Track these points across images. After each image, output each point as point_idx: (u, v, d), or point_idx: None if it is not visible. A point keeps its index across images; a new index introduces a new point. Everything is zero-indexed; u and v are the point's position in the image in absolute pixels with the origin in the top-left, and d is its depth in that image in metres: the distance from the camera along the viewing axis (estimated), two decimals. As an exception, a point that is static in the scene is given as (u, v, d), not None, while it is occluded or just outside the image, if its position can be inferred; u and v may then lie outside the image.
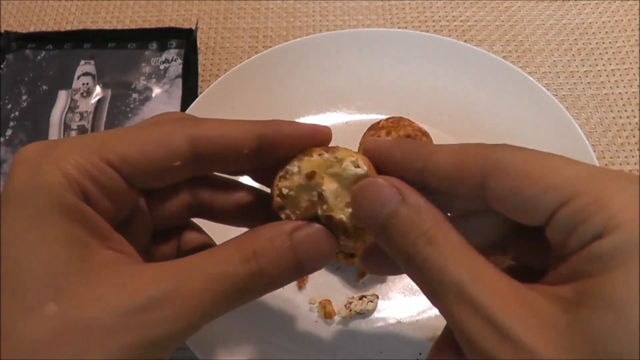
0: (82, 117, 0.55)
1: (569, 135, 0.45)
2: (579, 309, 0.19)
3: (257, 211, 0.31)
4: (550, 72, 0.57)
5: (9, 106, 0.56)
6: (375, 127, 0.44)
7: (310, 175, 0.26)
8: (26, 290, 0.20)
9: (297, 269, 0.25)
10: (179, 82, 0.56)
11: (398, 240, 0.23)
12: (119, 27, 0.63)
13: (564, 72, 0.57)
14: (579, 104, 0.55)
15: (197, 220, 0.33)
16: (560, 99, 0.54)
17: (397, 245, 0.24)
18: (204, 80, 0.58)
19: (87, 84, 0.57)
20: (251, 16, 0.63)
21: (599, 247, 0.19)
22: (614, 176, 0.21)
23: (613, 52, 0.58)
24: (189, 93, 0.56)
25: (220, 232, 0.32)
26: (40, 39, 0.60)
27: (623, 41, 0.59)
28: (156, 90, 0.56)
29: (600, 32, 0.60)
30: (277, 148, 0.27)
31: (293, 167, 0.27)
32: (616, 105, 0.54)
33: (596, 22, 0.60)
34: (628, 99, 0.54)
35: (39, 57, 0.59)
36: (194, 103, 0.48)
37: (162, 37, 0.59)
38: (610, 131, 0.53)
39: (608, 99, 0.55)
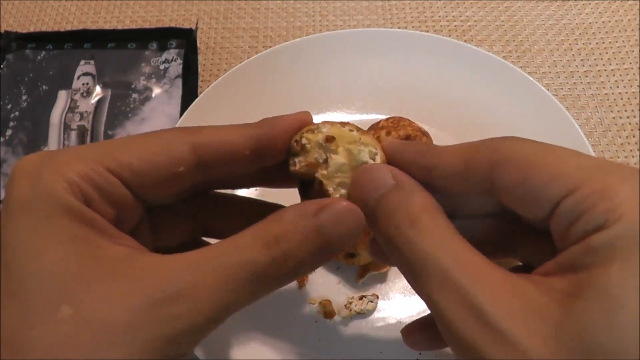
0: (82, 117, 0.55)
1: (569, 135, 0.45)
2: (573, 301, 0.18)
3: None
4: (550, 72, 0.57)
5: (9, 106, 0.56)
6: (375, 127, 0.44)
7: (330, 139, 0.27)
8: (38, 295, 0.20)
9: (326, 250, 0.24)
10: (179, 82, 0.56)
11: (384, 222, 0.23)
12: (119, 27, 0.63)
13: (564, 72, 0.57)
14: (579, 104, 0.55)
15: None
16: (560, 99, 0.54)
17: (382, 227, 0.24)
18: (204, 80, 0.58)
19: (87, 84, 0.57)
20: (251, 16, 0.63)
21: (599, 239, 0.19)
22: (620, 168, 0.20)
23: (613, 52, 0.58)
24: (189, 93, 0.55)
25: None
26: (40, 39, 0.60)
27: (623, 41, 0.59)
28: (156, 90, 0.56)
29: (600, 32, 0.60)
30: (275, 144, 0.27)
31: (324, 126, 0.27)
32: (616, 105, 0.54)
33: (596, 22, 0.60)
34: (628, 99, 0.54)
35: (39, 57, 0.59)
36: (194, 103, 0.48)
37: (162, 37, 0.59)
38: (610, 131, 0.53)
39: (608, 99, 0.55)
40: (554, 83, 0.56)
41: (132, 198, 0.25)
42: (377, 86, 0.53)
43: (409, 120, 0.44)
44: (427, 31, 0.60)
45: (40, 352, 0.19)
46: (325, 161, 0.27)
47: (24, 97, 0.56)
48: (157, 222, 0.29)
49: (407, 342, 0.31)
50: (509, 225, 0.26)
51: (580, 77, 0.56)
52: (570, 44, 0.59)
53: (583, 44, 0.59)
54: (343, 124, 0.28)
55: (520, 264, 0.28)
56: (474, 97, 0.51)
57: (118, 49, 0.59)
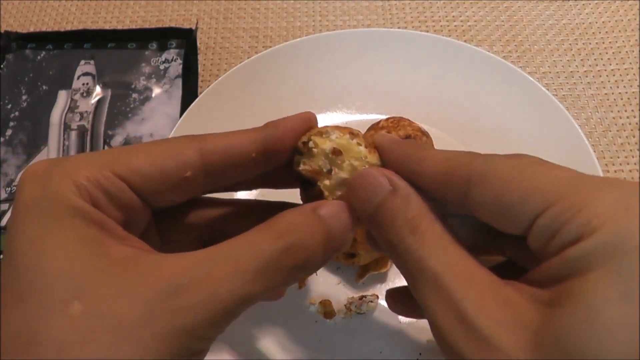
0: (82, 117, 0.55)
1: (569, 135, 0.45)
2: (552, 310, 0.19)
3: None
4: (550, 72, 0.57)
5: (9, 106, 0.56)
6: (375, 127, 0.44)
7: (337, 152, 0.27)
8: (48, 293, 0.20)
9: (328, 242, 0.24)
10: (179, 82, 0.56)
11: (385, 228, 0.24)
12: (119, 27, 0.63)
13: (564, 72, 0.57)
14: (579, 104, 0.55)
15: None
16: (560, 99, 0.54)
17: (384, 233, 0.24)
18: (204, 80, 0.58)
19: (87, 84, 0.57)
20: (251, 16, 0.63)
21: (576, 251, 0.19)
22: (595, 181, 0.21)
23: (613, 52, 0.58)
24: (189, 93, 0.56)
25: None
26: (40, 39, 0.60)
27: (623, 41, 0.59)
28: (156, 90, 0.56)
29: (600, 32, 0.60)
30: (280, 146, 0.28)
31: (334, 134, 0.28)
32: (616, 105, 0.54)
33: (596, 22, 0.60)
34: (628, 99, 0.54)
35: (39, 57, 0.59)
36: (194, 103, 0.48)
37: (162, 37, 0.59)
38: (610, 131, 0.53)
39: (608, 99, 0.55)
40: (554, 83, 0.56)
41: (140, 203, 0.25)
42: (377, 86, 0.53)
43: (409, 120, 0.44)
44: (427, 31, 0.60)
45: (52, 349, 0.19)
46: (330, 171, 0.27)
47: (24, 97, 0.56)
48: (164, 228, 0.29)
49: (390, 306, 0.33)
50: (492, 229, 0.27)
51: (580, 77, 0.56)
52: (570, 44, 0.59)
53: (583, 44, 0.59)
54: (352, 134, 0.28)
55: (505, 259, 0.29)
56: (474, 97, 0.51)
57: (118, 49, 0.59)
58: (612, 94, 0.55)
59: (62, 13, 0.65)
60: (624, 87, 0.55)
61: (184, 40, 0.59)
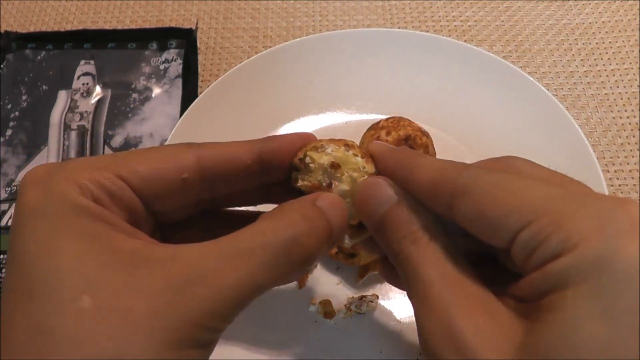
0: (82, 117, 0.55)
1: (569, 135, 0.45)
2: (533, 325, 0.20)
3: None
4: (550, 72, 0.57)
5: (9, 106, 0.56)
6: (375, 127, 0.44)
7: (335, 166, 0.28)
8: (57, 289, 0.20)
9: (330, 236, 0.25)
10: (179, 82, 0.56)
11: (389, 237, 0.25)
12: (119, 27, 0.63)
13: (564, 72, 0.57)
14: (579, 104, 0.55)
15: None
16: (560, 99, 0.54)
17: (388, 242, 0.25)
18: (204, 80, 0.58)
19: (87, 84, 0.57)
20: (251, 16, 0.63)
21: (554, 267, 0.20)
22: (576, 197, 0.21)
23: (613, 52, 0.58)
24: (189, 93, 0.56)
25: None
26: (40, 39, 0.60)
27: (623, 41, 0.59)
28: (156, 90, 0.56)
29: (600, 32, 0.60)
30: (277, 157, 0.28)
31: (329, 147, 0.28)
32: (616, 105, 0.54)
33: (596, 22, 0.60)
34: (628, 99, 0.54)
35: (39, 57, 0.59)
36: (194, 103, 0.48)
37: (162, 37, 0.59)
38: (610, 131, 0.53)
39: (608, 99, 0.55)
40: (554, 83, 0.56)
41: (141, 206, 0.25)
42: (377, 86, 0.53)
43: (409, 120, 0.44)
44: (427, 31, 0.60)
45: (64, 342, 0.19)
46: (330, 185, 0.28)
47: (24, 97, 0.56)
48: (169, 240, 0.29)
49: (381, 274, 0.34)
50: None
51: (580, 77, 0.56)
52: (570, 44, 0.59)
53: (583, 44, 0.59)
54: (347, 146, 0.28)
55: None
56: (474, 97, 0.51)
57: (118, 49, 0.59)
58: (612, 94, 0.55)
59: (62, 13, 0.65)
60: (624, 87, 0.55)
61: (184, 40, 0.59)
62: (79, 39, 0.60)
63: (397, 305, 0.42)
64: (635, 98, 0.54)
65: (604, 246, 0.19)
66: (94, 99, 0.56)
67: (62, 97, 0.56)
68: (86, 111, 0.55)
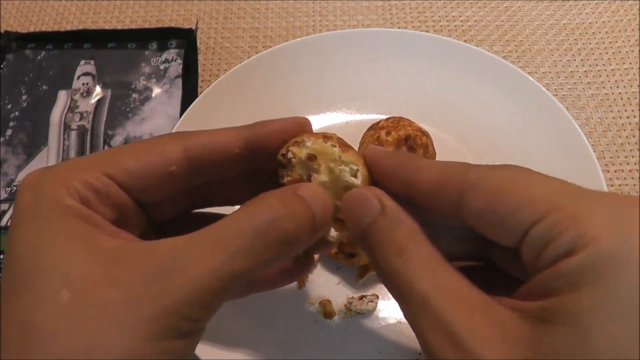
0: (82, 117, 0.55)
1: (569, 135, 0.45)
2: (543, 327, 0.19)
3: None
4: (550, 72, 0.57)
5: (9, 106, 0.56)
6: (375, 127, 0.44)
7: (311, 157, 0.28)
8: (39, 286, 0.21)
9: (312, 221, 0.25)
10: (179, 82, 0.56)
11: (373, 250, 0.24)
12: (119, 27, 0.63)
13: (564, 72, 0.57)
14: (579, 104, 0.55)
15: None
16: (560, 99, 0.54)
17: (373, 254, 0.25)
18: (204, 80, 0.58)
19: (87, 84, 0.57)
20: (251, 16, 0.63)
21: (568, 265, 0.19)
22: (590, 193, 0.21)
23: (613, 52, 0.58)
24: (189, 93, 0.56)
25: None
26: (40, 39, 0.60)
27: (623, 41, 0.59)
28: (156, 90, 0.56)
29: (600, 32, 0.60)
30: (265, 144, 0.28)
31: (308, 140, 0.28)
32: (616, 105, 0.54)
33: (596, 22, 0.60)
34: (628, 99, 0.54)
35: (39, 57, 0.59)
36: (194, 103, 0.48)
37: (162, 37, 0.59)
38: (610, 131, 0.53)
39: (608, 99, 0.55)
40: (554, 83, 0.56)
41: (130, 201, 0.26)
42: (377, 86, 0.53)
43: (409, 120, 0.44)
44: (427, 31, 0.60)
45: (43, 336, 0.20)
46: (309, 178, 0.28)
47: (24, 97, 0.56)
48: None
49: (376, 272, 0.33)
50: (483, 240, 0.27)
51: (580, 77, 0.56)
52: (570, 44, 0.59)
53: (583, 44, 0.59)
54: (326, 137, 0.28)
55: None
56: (474, 97, 0.51)
57: (118, 49, 0.59)
58: (612, 94, 0.55)
59: (62, 13, 0.65)
60: (624, 87, 0.55)
61: (184, 40, 0.59)
62: (79, 39, 0.60)
63: (397, 305, 0.41)
64: (635, 98, 0.54)
65: (620, 244, 0.18)
66: (94, 99, 0.56)
67: (62, 97, 0.56)
68: (86, 111, 0.55)
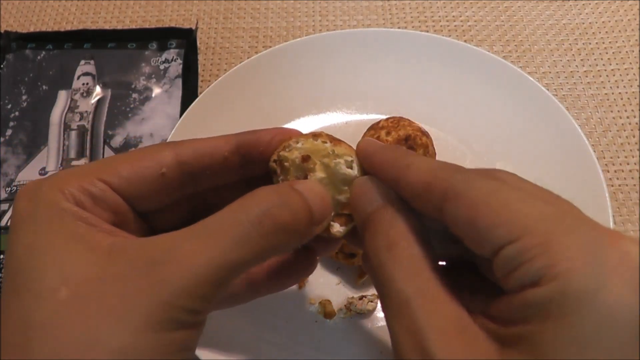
0: (82, 117, 0.55)
1: (569, 135, 0.45)
2: (511, 352, 0.19)
3: None
4: (550, 72, 0.57)
5: (9, 106, 0.56)
6: (375, 127, 0.44)
7: (305, 159, 0.28)
8: (38, 284, 0.21)
9: (308, 214, 0.25)
10: (179, 82, 0.56)
11: (367, 239, 0.25)
12: (119, 27, 0.63)
13: (564, 72, 0.57)
14: (579, 104, 0.55)
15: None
16: (560, 99, 0.54)
17: (365, 244, 0.25)
18: (204, 80, 0.58)
19: (87, 84, 0.57)
20: (251, 16, 0.63)
21: (534, 295, 0.19)
22: (568, 220, 0.20)
23: (613, 52, 0.58)
24: (189, 93, 0.56)
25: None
26: (40, 39, 0.60)
27: (623, 41, 0.59)
28: (156, 90, 0.56)
29: (600, 32, 0.60)
30: (256, 148, 0.28)
31: (297, 142, 0.28)
32: (616, 105, 0.54)
33: (596, 22, 0.60)
34: (628, 99, 0.54)
35: (39, 57, 0.59)
36: (194, 103, 0.48)
37: (162, 37, 0.59)
38: (610, 131, 0.53)
39: (608, 99, 0.55)
40: (554, 83, 0.56)
41: (125, 205, 0.26)
42: (377, 86, 0.53)
43: (409, 120, 0.44)
44: (427, 31, 0.60)
45: (42, 333, 0.20)
46: (306, 178, 0.28)
47: (24, 97, 0.56)
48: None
49: (363, 264, 0.33)
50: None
51: (580, 77, 0.56)
52: (570, 44, 0.59)
53: (583, 44, 0.59)
54: (315, 135, 0.28)
55: None
56: (474, 97, 0.51)
57: (118, 49, 0.59)
58: (612, 94, 0.55)
59: (62, 13, 0.65)
60: (624, 87, 0.55)
61: (184, 40, 0.59)
62: (79, 39, 0.60)
63: (397, 305, 0.42)
64: (635, 98, 0.54)
65: (588, 282, 0.18)
66: (94, 99, 0.56)
67: (62, 97, 0.56)
68: (86, 111, 0.55)
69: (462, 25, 0.61)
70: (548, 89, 0.50)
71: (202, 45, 0.61)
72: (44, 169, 0.52)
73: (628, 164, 0.51)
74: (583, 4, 0.62)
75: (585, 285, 0.18)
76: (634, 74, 0.56)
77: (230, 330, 0.39)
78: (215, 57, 0.60)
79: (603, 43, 0.59)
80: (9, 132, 0.54)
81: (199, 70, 0.58)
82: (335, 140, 0.28)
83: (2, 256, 0.48)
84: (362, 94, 0.53)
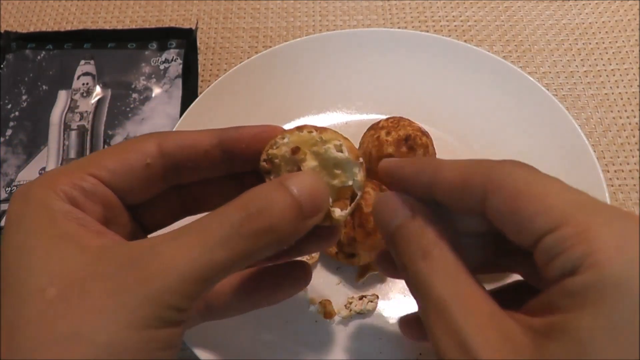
0: (82, 117, 0.55)
1: (569, 135, 0.45)
2: (546, 343, 0.20)
3: None
4: (550, 72, 0.57)
5: (9, 106, 0.56)
6: (375, 127, 0.44)
7: (295, 150, 0.28)
8: (26, 285, 0.22)
9: (297, 211, 0.25)
10: (179, 82, 0.56)
11: (400, 251, 0.25)
12: (119, 27, 0.63)
13: (564, 72, 0.57)
14: (579, 104, 0.55)
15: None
16: (560, 99, 0.54)
17: (399, 255, 0.26)
18: (204, 80, 0.58)
19: (87, 84, 0.57)
20: (251, 16, 0.63)
21: (573, 283, 0.19)
22: (605, 209, 0.21)
23: (613, 52, 0.58)
24: (189, 93, 0.56)
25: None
26: (40, 39, 0.60)
27: (623, 41, 0.59)
28: (156, 90, 0.56)
29: (600, 32, 0.60)
30: (239, 144, 0.29)
31: (283, 138, 0.28)
32: (616, 105, 0.54)
33: (596, 22, 0.60)
34: (628, 99, 0.54)
35: (39, 57, 0.59)
36: (194, 103, 0.48)
37: (162, 37, 0.59)
38: (610, 131, 0.53)
39: (608, 99, 0.55)
40: (554, 83, 0.56)
41: (115, 198, 0.27)
42: (377, 86, 0.53)
43: (409, 120, 0.44)
44: (427, 31, 0.60)
45: (30, 327, 0.21)
46: (299, 169, 0.28)
47: (24, 97, 0.56)
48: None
49: (403, 331, 0.34)
50: (505, 246, 0.27)
51: (580, 77, 0.56)
52: (570, 44, 0.59)
53: (583, 44, 0.59)
54: (300, 128, 0.28)
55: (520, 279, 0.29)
56: (474, 97, 0.51)
57: (118, 49, 0.59)
58: (612, 94, 0.55)
59: (62, 13, 0.65)
60: (624, 87, 0.55)
61: (184, 40, 0.59)
62: (79, 39, 0.60)
63: (397, 305, 0.42)
64: (635, 98, 0.54)
65: (626, 270, 0.18)
66: (94, 99, 0.56)
67: (62, 97, 0.56)
68: (86, 111, 0.55)
69: (462, 25, 0.61)
70: (548, 89, 0.50)
71: (202, 45, 0.61)
72: (44, 169, 0.52)
73: (628, 164, 0.51)
74: (583, 4, 0.62)
75: (623, 273, 0.18)
76: (634, 74, 0.56)
77: (230, 330, 0.39)
78: (215, 57, 0.60)
79: (603, 43, 0.59)
80: (9, 132, 0.54)
81: (199, 70, 0.58)
82: (320, 129, 0.28)
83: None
84: (362, 94, 0.53)
